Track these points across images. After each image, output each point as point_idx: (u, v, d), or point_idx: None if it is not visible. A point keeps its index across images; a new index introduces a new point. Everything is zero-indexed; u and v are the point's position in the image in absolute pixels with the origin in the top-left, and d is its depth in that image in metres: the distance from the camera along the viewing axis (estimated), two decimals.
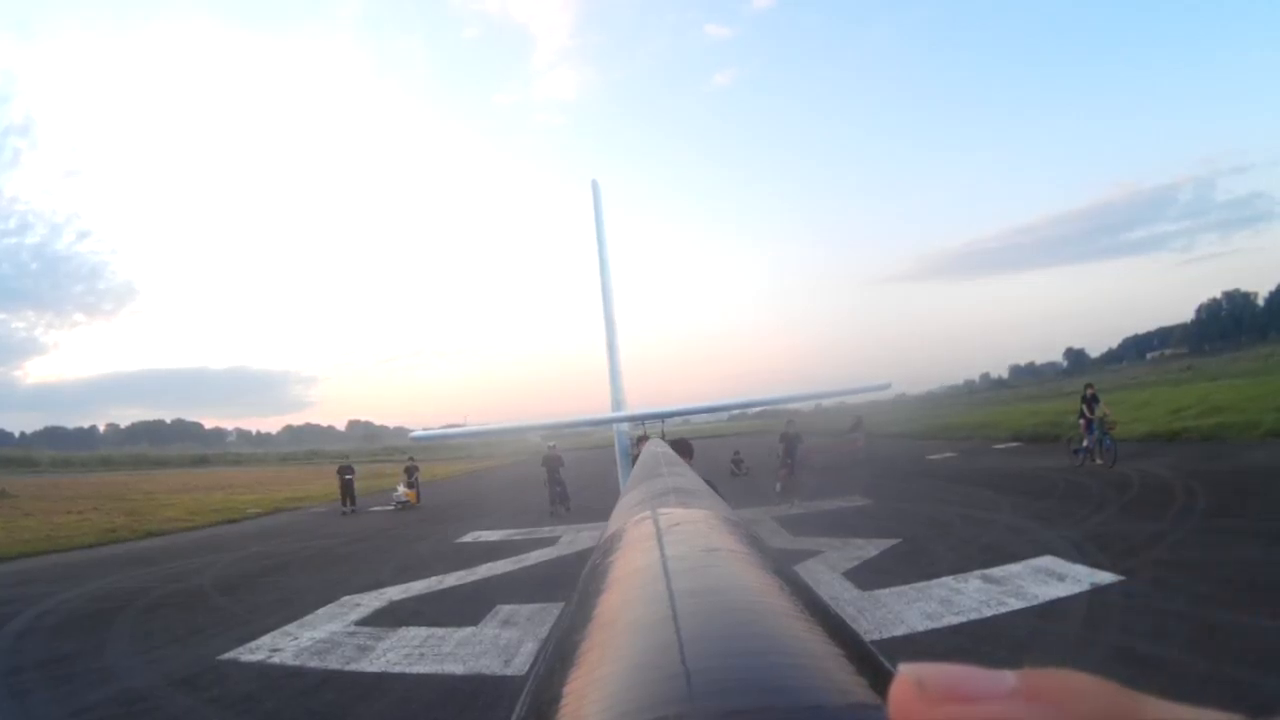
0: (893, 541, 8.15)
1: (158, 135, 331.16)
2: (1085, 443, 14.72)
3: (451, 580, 8.56)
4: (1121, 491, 10.67)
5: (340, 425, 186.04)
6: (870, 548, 7.92)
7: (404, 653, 5.62)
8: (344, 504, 20.29)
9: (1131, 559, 6.41)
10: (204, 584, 9.74)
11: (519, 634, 5.84)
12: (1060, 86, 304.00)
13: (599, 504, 12.38)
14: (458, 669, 5.13)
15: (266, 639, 6.32)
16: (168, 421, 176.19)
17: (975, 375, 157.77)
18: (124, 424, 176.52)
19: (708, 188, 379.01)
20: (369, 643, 5.99)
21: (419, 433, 5.14)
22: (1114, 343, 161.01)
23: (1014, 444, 23.07)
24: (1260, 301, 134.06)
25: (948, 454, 21.25)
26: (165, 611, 8.11)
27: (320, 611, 7.28)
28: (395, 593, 8.01)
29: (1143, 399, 29.92)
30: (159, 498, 28.13)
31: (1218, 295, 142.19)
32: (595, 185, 5.92)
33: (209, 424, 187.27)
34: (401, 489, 20.68)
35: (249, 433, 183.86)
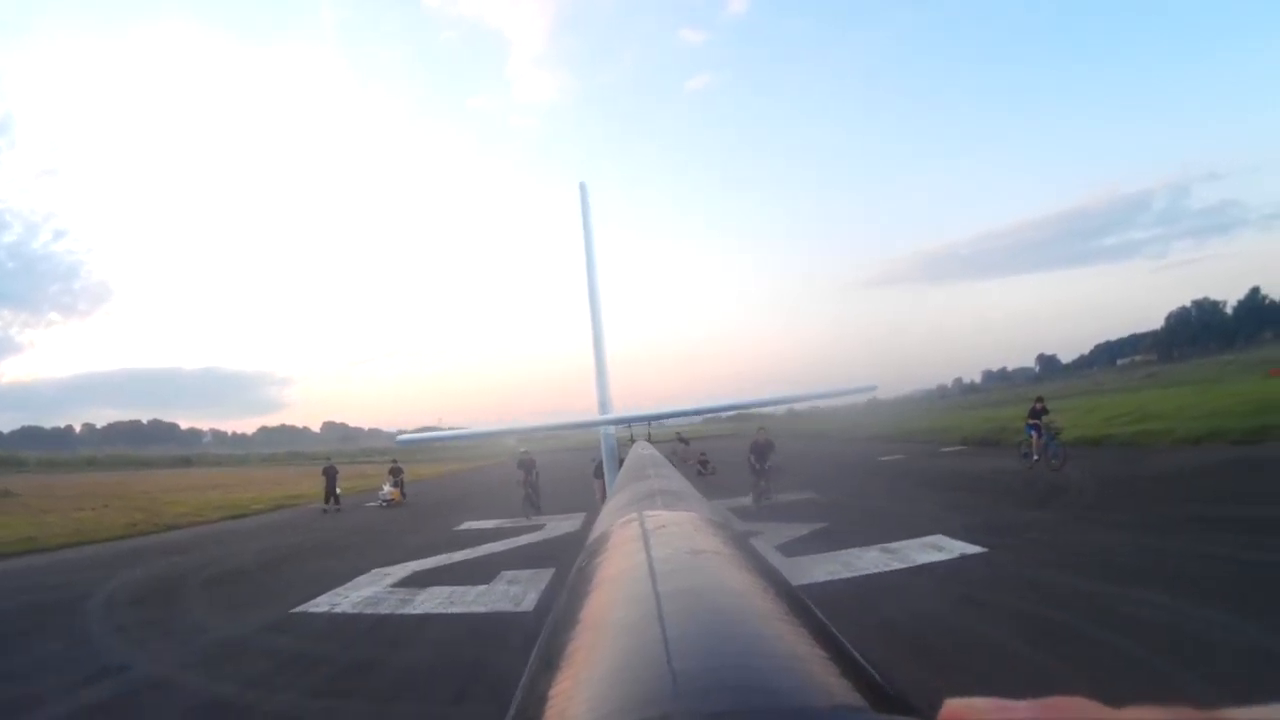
0: (822, 525, 10.02)
1: (136, 136, 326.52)
2: (1034, 448, 15.67)
3: (459, 556, 10.28)
4: (1028, 487, 12.66)
5: (315, 427, 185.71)
6: (803, 529, 9.78)
7: (437, 602, 7.36)
8: (326, 502, 21.35)
9: (1003, 538, 8.24)
10: (244, 565, 11.34)
11: (522, 589, 7.61)
12: (1036, 93, 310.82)
13: (577, 502, 14.22)
14: (481, 609, 6.90)
15: (323, 598, 7.99)
16: (145, 422, 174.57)
17: (950, 380, 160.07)
18: (100, 424, 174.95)
19: (688, 192, 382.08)
20: (407, 597, 7.72)
21: (404, 436, 5.36)
22: (1087, 349, 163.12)
23: (960, 447, 25.19)
24: (1229, 310, 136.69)
25: (897, 456, 23.26)
26: (222, 585, 9.71)
27: (358, 579, 8.96)
28: (415, 566, 9.70)
29: (1090, 406, 32.22)
30: (160, 496, 29.27)
31: (1187, 304, 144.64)
32: (583, 187, 5.87)
33: (184, 425, 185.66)
34: (387, 488, 22.00)
35: (224, 434, 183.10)
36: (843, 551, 8.07)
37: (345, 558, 11.16)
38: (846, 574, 7.12)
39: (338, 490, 21.89)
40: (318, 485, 22.90)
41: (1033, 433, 15.88)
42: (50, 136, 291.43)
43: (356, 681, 5.32)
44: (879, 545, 8.25)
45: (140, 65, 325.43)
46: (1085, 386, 79.78)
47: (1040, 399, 16.93)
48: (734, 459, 21.88)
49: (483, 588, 7.81)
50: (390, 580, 8.75)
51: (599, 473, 8.88)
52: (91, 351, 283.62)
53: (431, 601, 7.45)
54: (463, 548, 11.08)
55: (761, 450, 14.20)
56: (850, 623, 5.32)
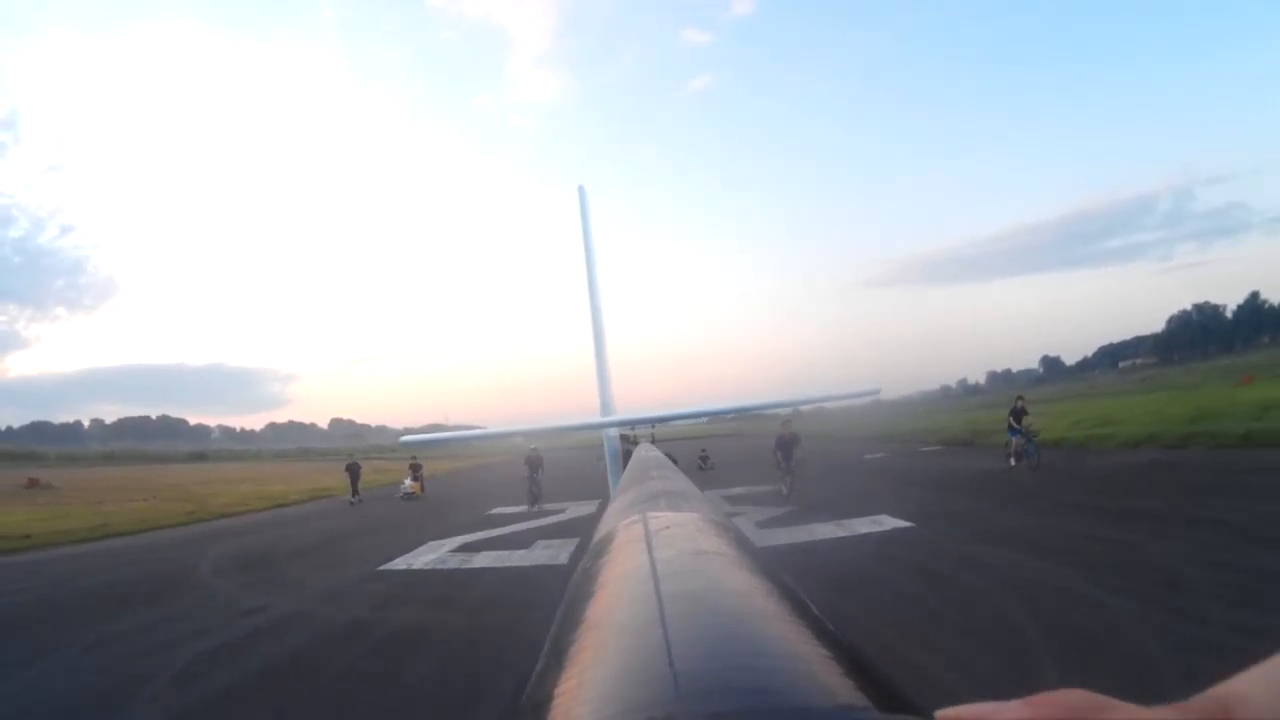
0: (793, 508, 12.24)
1: (142, 134, 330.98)
2: (1013, 451, 16.11)
3: (496, 532, 12.50)
4: (970, 481, 14.84)
5: (323, 423, 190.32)
6: (779, 510, 12.01)
7: (490, 561, 9.62)
8: (352, 494, 23.38)
9: (930, 518, 10.37)
10: (314, 542, 13.59)
11: (556, 551, 9.84)
12: (1041, 94, 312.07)
13: (592, 492, 16.41)
14: (526, 564, 9.14)
15: (398, 560, 10.22)
16: (153, 418, 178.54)
17: (955, 381, 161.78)
18: (108, 420, 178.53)
19: (690, 193, 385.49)
20: (465, 559, 9.97)
21: (407, 437, 5.05)
22: (1091, 350, 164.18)
23: (938, 447, 27.38)
24: (1229, 314, 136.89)
25: (880, 454, 25.46)
26: (305, 555, 11.94)
27: (419, 549, 11.19)
28: (462, 539, 11.90)
29: (1066, 410, 34.31)
30: (194, 489, 31.43)
31: (1188, 307, 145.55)
32: (582, 190, 5.92)
33: (191, 421, 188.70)
34: (408, 482, 24.00)
35: (232, 429, 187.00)
36: (802, 526, 10.29)
37: (400, 535, 13.37)
38: (805, 539, 9.34)
39: (359, 484, 24.04)
40: (341, 480, 25.06)
41: (1014, 436, 16.25)
42: (56, 133, 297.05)
43: (446, 606, 7.53)
44: (834, 521, 10.45)
45: (146, 64, 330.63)
46: (1080, 389, 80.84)
47: (1021, 398, 17.31)
48: (731, 457, 24.18)
49: (524, 551, 10.05)
50: (447, 548, 10.99)
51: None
52: (97, 347, 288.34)
53: (486, 560, 9.71)
54: (498, 526, 13.30)
55: (787, 444, 14.59)
56: (799, 569, 7.53)
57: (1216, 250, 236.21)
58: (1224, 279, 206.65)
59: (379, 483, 29.37)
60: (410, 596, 8.09)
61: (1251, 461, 13.05)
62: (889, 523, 10.12)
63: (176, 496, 26.92)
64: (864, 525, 10.07)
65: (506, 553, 10.09)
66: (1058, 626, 5.03)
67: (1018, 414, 16.27)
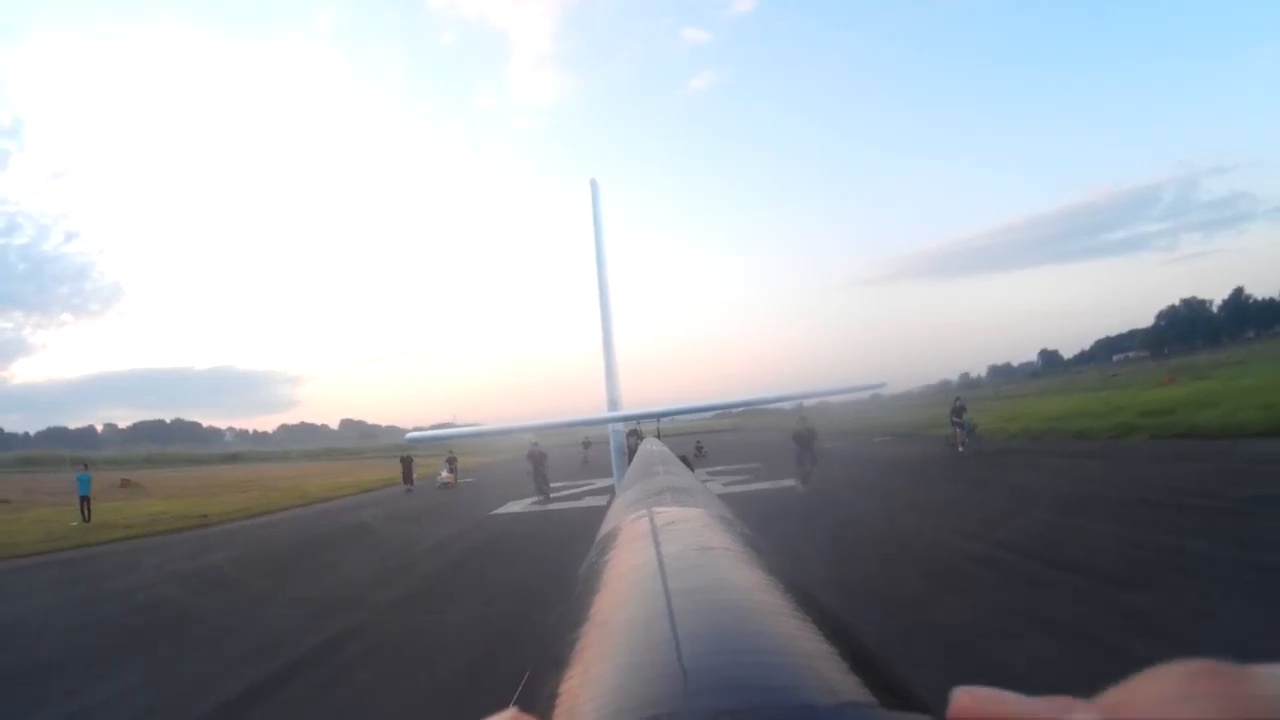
0: (749, 475, 18.55)
1: (145, 139, 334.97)
2: (958, 440, 20.29)
3: (558, 492, 18.62)
4: (881, 462, 21.12)
5: (333, 424, 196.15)
6: (740, 477, 18.35)
7: (560, 508, 15.83)
8: (406, 483, 28.79)
9: (821, 482, 16.52)
10: (420, 508, 19.80)
11: (602, 501, 16.00)
12: (1043, 87, 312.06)
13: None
14: (582, 506, 15.37)
15: (498, 511, 16.41)
16: (168, 421, 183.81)
17: (956, 375, 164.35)
18: (121, 424, 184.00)
19: (694, 190, 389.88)
20: (544, 507, 16.21)
21: (413, 434, 5.18)
22: (1090, 343, 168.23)
23: (887, 438, 33.49)
24: (1215, 309, 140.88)
25: (837, 444, 31.55)
26: (429, 514, 18.10)
27: (508, 504, 17.38)
28: (529, 501, 18.01)
29: (1004, 408, 39.85)
30: (276, 483, 37.05)
31: (1176, 302, 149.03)
32: (594, 184, 5.86)
33: (203, 424, 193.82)
34: (445, 474, 28.48)
35: (246, 432, 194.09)
36: (753, 484, 16.61)
37: (482, 501, 19.43)
38: (746, 490, 15.65)
39: (413, 475, 29.52)
40: (381, 475, 30.41)
41: (957, 429, 20.54)
42: (60, 139, 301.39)
43: (544, 523, 13.75)
44: (769, 481, 16.72)
45: (150, 69, 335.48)
46: (1062, 385, 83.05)
47: (959, 398, 22.13)
48: (723, 448, 30.72)
49: (578, 504, 16.25)
50: (526, 503, 17.23)
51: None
52: (103, 352, 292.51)
53: (557, 507, 15.93)
54: (560, 491, 19.38)
55: (805, 439, 15.38)
56: (741, 504, 13.78)
57: (1221, 240, 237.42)
58: (1228, 270, 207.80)
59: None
60: (520, 524, 14.36)
61: (1090, 450, 19.23)
62: (789, 484, 16.23)
63: (265, 489, 32.94)
64: (776, 484, 16.31)
65: (569, 504, 16.32)
66: (822, 512, 11.30)
67: (957, 410, 20.76)
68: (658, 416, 6.39)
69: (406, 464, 29.95)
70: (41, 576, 12.53)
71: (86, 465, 25.10)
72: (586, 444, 31.38)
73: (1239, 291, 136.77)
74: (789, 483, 15.61)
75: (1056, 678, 4.01)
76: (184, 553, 14.12)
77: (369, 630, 6.87)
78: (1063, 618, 5.25)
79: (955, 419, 20.72)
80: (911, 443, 27.78)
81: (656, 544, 0.85)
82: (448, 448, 30.99)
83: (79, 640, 7.56)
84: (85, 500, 21.37)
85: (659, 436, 8.00)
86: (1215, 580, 5.80)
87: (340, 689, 5.29)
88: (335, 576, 10.44)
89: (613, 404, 5.01)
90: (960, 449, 20.24)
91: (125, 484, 40.66)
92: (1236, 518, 8.03)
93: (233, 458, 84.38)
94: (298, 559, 12.86)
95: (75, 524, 20.47)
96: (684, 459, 4.09)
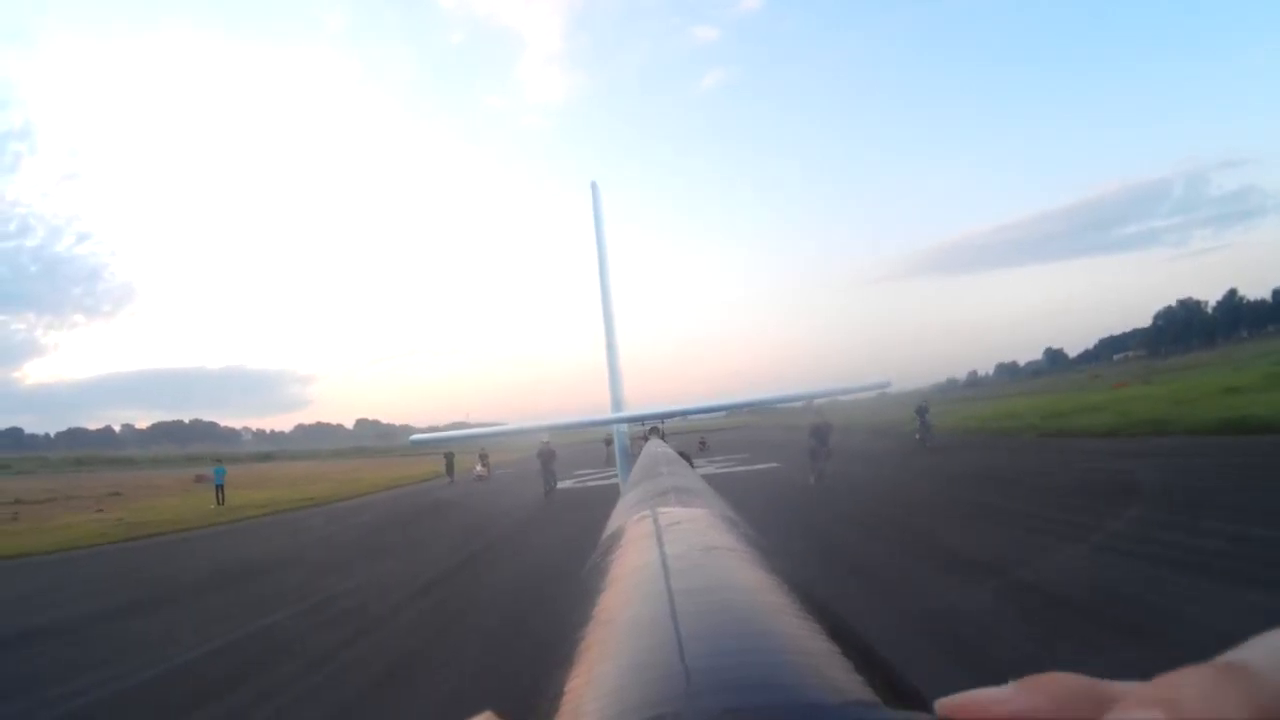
0: (740, 462, 24.59)
1: (156, 140, 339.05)
2: (919, 435, 24.01)
3: (590, 478, 24.58)
4: (850, 452, 27.14)
5: (349, 424, 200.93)
6: (732, 461, 24.36)
7: (604, 480, 21.82)
8: (449, 476, 33.50)
9: (792, 465, 22.47)
10: (472, 494, 25.66)
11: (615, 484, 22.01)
12: (1052, 86, 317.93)
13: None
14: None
15: (559, 487, 22.30)
16: (186, 422, 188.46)
17: (964, 373, 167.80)
18: (138, 424, 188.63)
19: (701, 189, 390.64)
20: (586, 484, 22.22)
21: (416, 437, 5.15)
22: (1094, 342, 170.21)
23: (868, 435, 39.29)
24: (1210, 309, 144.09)
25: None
26: (490, 495, 24.06)
27: (564, 482, 23.28)
28: (574, 481, 23.96)
29: (968, 410, 45.74)
30: (325, 476, 42.70)
31: (1173, 303, 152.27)
32: (595, 187, 6.03)
33: (220, 424, 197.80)
34: (479, 468, 31.93)
35: (263, 431, 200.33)
36: (739, 467, 22.63)
37: (527, 487, 25.22)
38: (732, 471, 21.65)
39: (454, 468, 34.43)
40: (423, 469, 36.02)
41: (921, 425, 24.12)
42: (71, 142, 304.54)
43: (597, 496, 19.65)
44: (755, 467, 22.70)
45: (160, 71, 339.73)
46: (1058, 384, 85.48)
47: (924, 401, 25.77)
48: (725, 444, 36.75)
49: (603, 482, 22.14)
50: (573, 483, 23.17)
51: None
52: (116, 352, 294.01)
53: (598, 481, 21.92)
54: (588, 478, 25.33)
55: (821, 433, 15.89)
56: (726, 481, 19.79)
57: (1231, 235, 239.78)
58: (1241, 264, 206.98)
59: (438, 471, 36.14)
60: (580, 494, 20.30)
61: (988, 444, 25.41)
62: (770, 465, 22.35)
63: (330, 481, 38.64)
64: (760, 465, 22.34)
65: (608, 481, 22.26)
66: (781, 482, 17.30)
67: (921, 410, 24.56)
68: (661, 417, 6.68)
69: (449, 459, 35.01)
70: (271, 529, 18.46)
71: (219, 460, 30.94)
72: (609, 441, 32.68)
73: (1232, 293, 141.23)
74: (764, 466, 21.59)
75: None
76: (336, 516, 20.06)
77: (512, 537, 13.21)
78: (858, 515, 11.33)
79: (921, 417, 24.56)
80: (886, 437, 33.38)
81: (660, 544, 0.86)
82: (480, 445, 34.03)
83: (380, 540, 13.85)
84: (220, 489, 27.24)
85: (662, 437, 8.76)
86: (951, 513, 11.86)
87: (518, 549, 11.56)
88: (462, 521, 16.66)
89: (616, 405, 5.13)
90: (921, 440, 24.07)
91: (199, 479, 46.21)
92: (1003, 484, 13.90)
93: (266, 456, 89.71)
94: (423, 517, 18.80)
95: (212, 507, 25.96)
96: (683, 454, 4.76)
